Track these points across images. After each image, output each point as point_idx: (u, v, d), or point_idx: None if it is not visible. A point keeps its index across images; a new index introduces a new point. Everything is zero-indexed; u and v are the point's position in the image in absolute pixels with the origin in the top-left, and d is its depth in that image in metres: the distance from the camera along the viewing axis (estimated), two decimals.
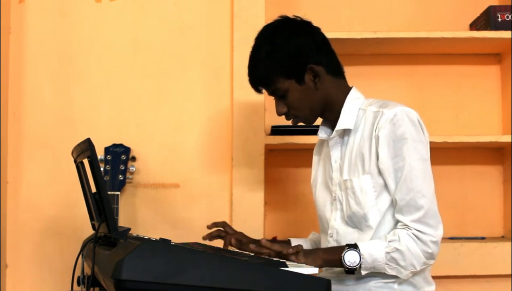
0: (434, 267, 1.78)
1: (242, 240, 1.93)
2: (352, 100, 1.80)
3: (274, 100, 1.82)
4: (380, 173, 1.69)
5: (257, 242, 1.82)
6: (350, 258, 1.64)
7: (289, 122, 1.85)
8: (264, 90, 1.85)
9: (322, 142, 1.95)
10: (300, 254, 1.66)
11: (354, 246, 1.65)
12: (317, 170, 1.96)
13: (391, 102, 1.73)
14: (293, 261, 1.64)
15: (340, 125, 1.78)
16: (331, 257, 1.68)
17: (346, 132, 1.80)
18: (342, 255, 1.64)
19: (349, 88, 1.83)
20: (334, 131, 1.80)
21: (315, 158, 2.00)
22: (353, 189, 1.74)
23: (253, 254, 1.68)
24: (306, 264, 1.63)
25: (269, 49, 1.75)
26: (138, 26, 2.57)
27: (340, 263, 1.65)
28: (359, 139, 1.75)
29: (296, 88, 1.76)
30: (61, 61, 2.54)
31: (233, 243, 1.88)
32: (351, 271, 1.65)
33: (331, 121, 1.83)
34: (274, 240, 2.00)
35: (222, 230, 1.99)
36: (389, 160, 1.67)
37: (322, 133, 1.87)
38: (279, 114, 1.81)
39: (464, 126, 2.67)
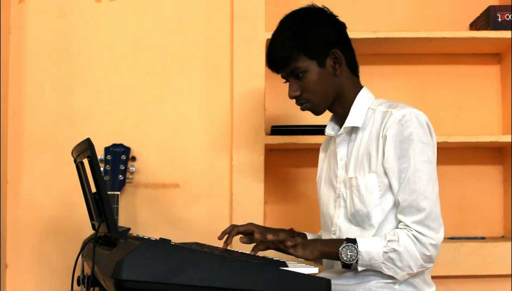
0: (434, 267, 1.78)
1: (254, 230, 1.83)
2: (363, 99, 1.81)
3: (288, 84, 1.82)
4: (385, 172, 1.70)
5: (266, 232, 1.78)
6: (347, 253, 1.64)
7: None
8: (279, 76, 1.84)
9: (329, 139, 1.96)
10: (298, 246, 1.67)
11: (353, 241, 1.65)
12: (322, 166, 1.97)
13: (400, 104, 1.74)
14: (292, 254, 1.66)
15: (349, 122, 1.79)
16: (329, 249, 1.68)
17: (353, 130, 1.81)
18: (340, 249, 1.65)
19: (361, 87, 1.85)
20: (342, 128, 1.81)
21: (321, 155, 2.01)
22: (358, 187, 1.74)
23: (252, 254, 1.68)
24: (304, 256, 1.67)
25: (295, 29, 1.77)
26: (138, 26, 2.57)
27: (337, 256, 1.66)
28: (367, 138, 1.75)
29: (316, 70, 1.77)
30: (61, 61, 2.54)
31: (240, 240, 1.79)
32: (347, 266, 1.66)
33: (340, 118, 1.85)
34: (291, 231, 1.99)
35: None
36: (395, 160, 1.68)
37: (330, 129, 1.88)
38: (291, 97, 1.81)
39: (464, 126, 2.67)
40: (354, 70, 1.85)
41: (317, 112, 1.84)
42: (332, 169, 1.87)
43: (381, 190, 1.71)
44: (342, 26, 1.85)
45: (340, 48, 1.79)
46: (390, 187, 1.70)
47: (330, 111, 1.87)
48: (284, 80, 1.85)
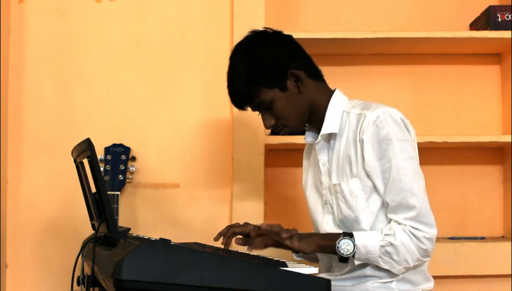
0: (434, 267, 1.78)
1: (250, 231, 1.77)
2: (336, 103, 1.79)
3: (261, 116, 1.80)
4: (368, 175, 1.69)
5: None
6: (345, 246, 1.65)
7: None
8: (248, 108, 1.81)
9: (311, 146, 1.94)
10: (294, 238, 1.67)
11: (350, 235, 1.66)
12: (307, 174, 1.95)
13: (373, 104, 1.73)
14: (288, 246, 1.66)
15: (325, 129, 1.77)
16: (326, 243, 1.69)
17: (332, 136, 1.79)
18: (337, 242, 1.65)
19: (332, 91, 1.82)
20: (319, 136, 1.79)
21: (304, 162, 1.99)
22: (342, 193, 1.74)
23: (253, 254, 1.68)
24: (300, 248, 1.67)
25: (246, 63, 1.74)
26: (138, 26, 2.57)
27: (334, 249, 1.66)
28: (345, 143, 1.74)
29: (281, 96, 1.75)
30: (61, 61, 2.54)
31: (236, 241, 1.76)
32: (344, 260, 1.66)
33: (317, 125, 1.82)
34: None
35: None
36: (376, 161, 1.67)
37: (309, 137, 1.87)
38: (268, 127, 1.80)
39: (464, 126, 2.67)
40: (316, 77, 1.81)
41: (298, 132, 1.83)
42: (317, 175, 1.87)
43: (366, 193, 1.71)
44: (289, 40, 1.81)
45: (296, 64, 1.75)
46: (375, 188, 1.70)
47: (307, 123, 1.85)
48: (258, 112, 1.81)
